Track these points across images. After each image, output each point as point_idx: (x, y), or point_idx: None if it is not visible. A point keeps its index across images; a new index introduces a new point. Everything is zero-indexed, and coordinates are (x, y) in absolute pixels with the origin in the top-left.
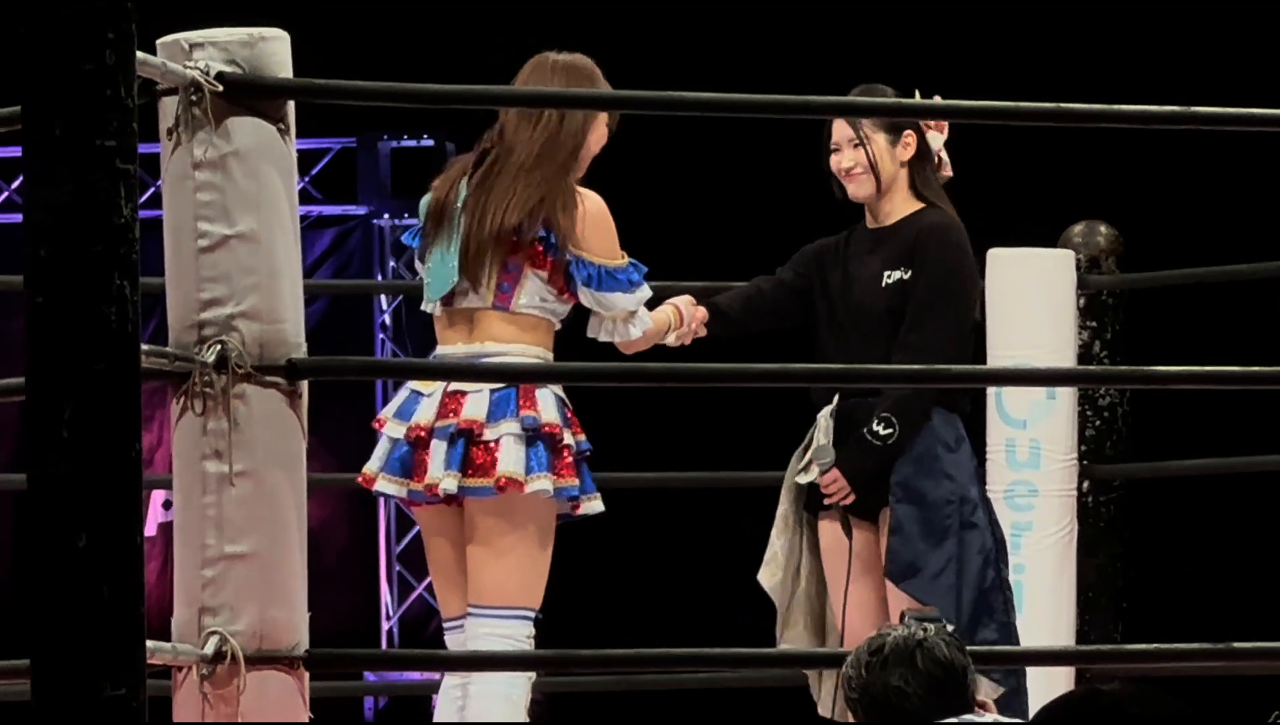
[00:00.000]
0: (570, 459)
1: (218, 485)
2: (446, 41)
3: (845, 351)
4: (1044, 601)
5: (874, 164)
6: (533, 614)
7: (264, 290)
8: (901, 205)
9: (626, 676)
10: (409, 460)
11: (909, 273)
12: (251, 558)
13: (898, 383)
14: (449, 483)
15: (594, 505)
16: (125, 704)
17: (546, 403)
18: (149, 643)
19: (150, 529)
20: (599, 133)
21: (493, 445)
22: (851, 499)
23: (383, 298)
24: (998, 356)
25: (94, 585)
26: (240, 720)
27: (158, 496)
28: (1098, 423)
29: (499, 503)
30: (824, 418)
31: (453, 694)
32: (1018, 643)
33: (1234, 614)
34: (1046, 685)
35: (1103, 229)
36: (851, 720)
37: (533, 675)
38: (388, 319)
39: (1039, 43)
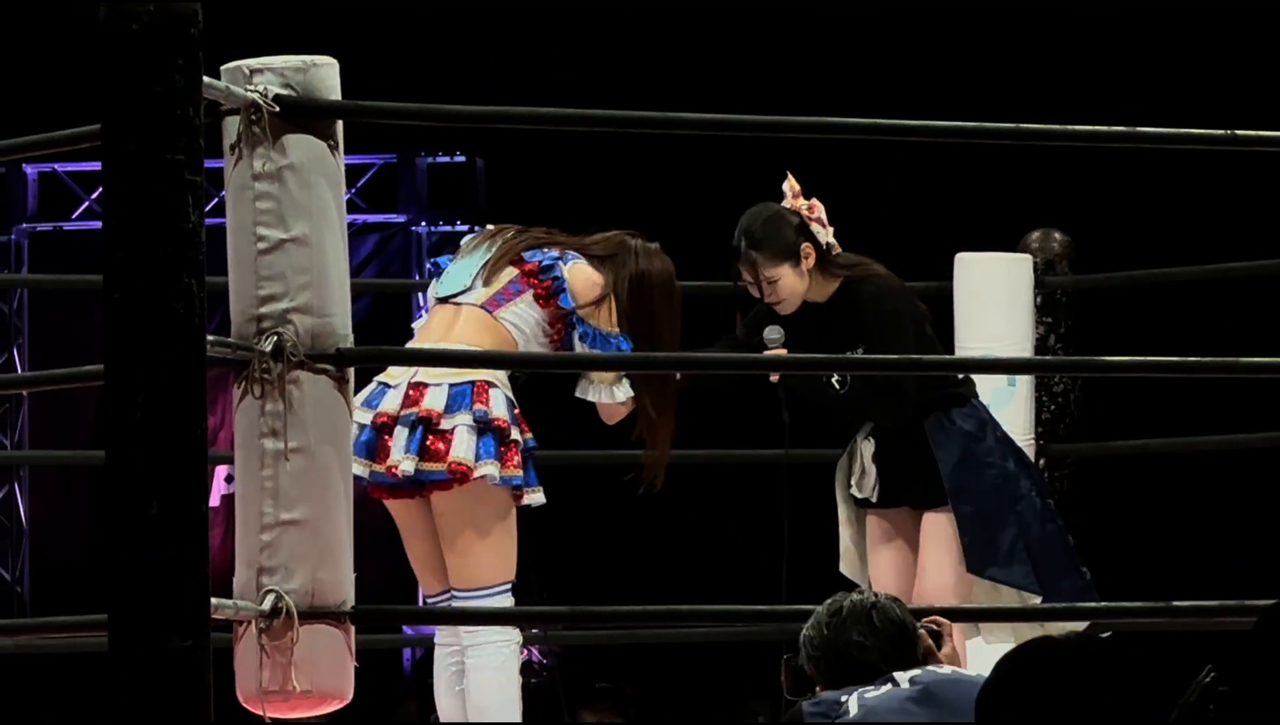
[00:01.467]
0: (516, 453)
1: (274, 460)
2: (477, 68)
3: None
4: None
5: (789, 293)
6: (509, 586)
7: (315, 288)
8: (828, 287)
9: (632, 631)
10: (374, 444)
11: (863, 351)
12: (304, 524)
13: (881, 372)
14: (407, 464)
15: (536, 497)
16: (191, 654)
17: (498, 401)
18: (213, 600)
19: (214, 500)
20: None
21: (448, 434)
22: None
23: (420, 295)
24: (965, 348)
25: (164, 549)
26: (293, 669)
27: (221, 471)
28: (1052, 407)
29: (461, 496)
30: (866, 451)
31: (447, 661)
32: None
33: (1174, 575)
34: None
35: (1057, 235)
36: None
37: (519, 639)
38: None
39: (1001, 68)
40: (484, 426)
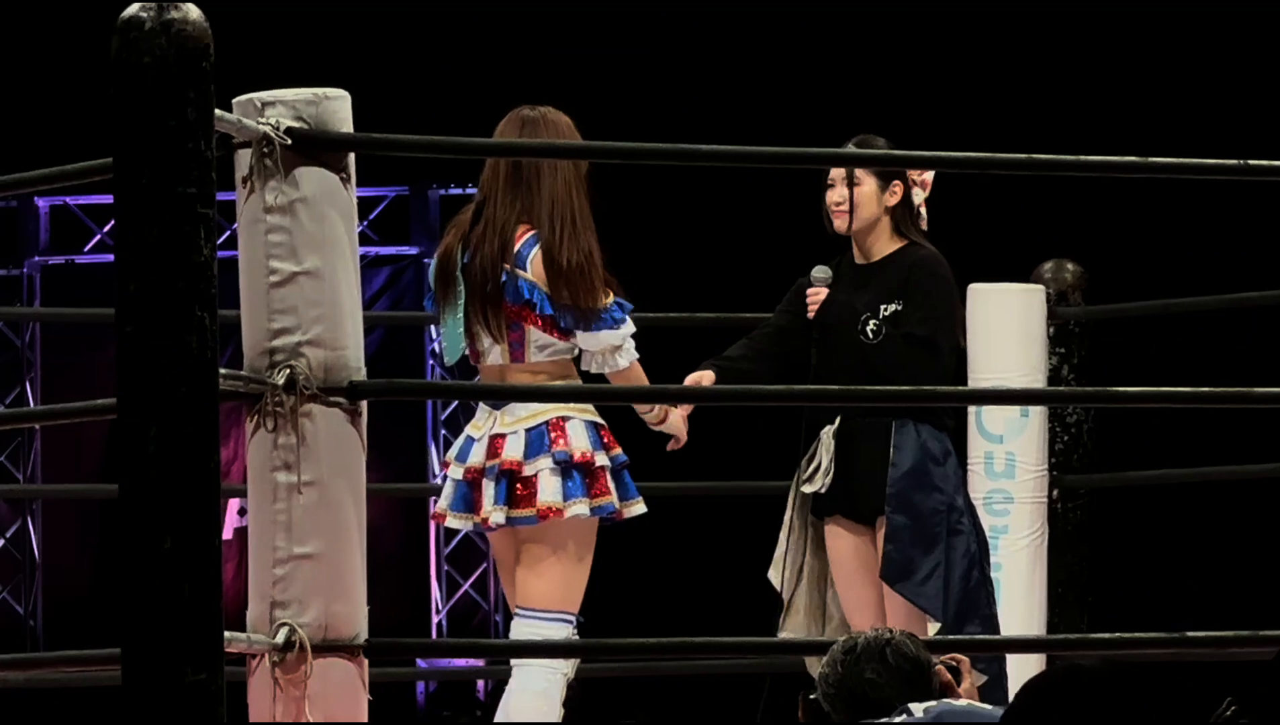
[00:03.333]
0: (605, 478)
1: (287, 494)
2: (489, 99)
3: (839, 376)
4: (1018, 596)
5: (853, 204)
6: (572, 618)
7: (328, 321)
8: (886, 244)
9: (647, 663)
10: (469, 498)
11: (901, 305)
12: (317, 558)
13: (893, 402)
14: (498, 516)
15: (636, 509)
16: (205, 688)
17: (576, 432)
18: (226, 633)
19: (227, 533)
20: (578, 187)
21: (532, 479)
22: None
23: (433, 328)
24: (978, 379)
25: (177, 583)
26: (307, 702)
27: (234, 504)
28: (1066, 438)
29: (542, 525)
30: (827, 435)
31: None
32: (999, 634)
33: (1187, 605)
34: (1021, 671)
35: (1070, 266)
36: None
37: (569, 673)
38: (437, 347)
39: (1013, 97)
40: (568, 465)
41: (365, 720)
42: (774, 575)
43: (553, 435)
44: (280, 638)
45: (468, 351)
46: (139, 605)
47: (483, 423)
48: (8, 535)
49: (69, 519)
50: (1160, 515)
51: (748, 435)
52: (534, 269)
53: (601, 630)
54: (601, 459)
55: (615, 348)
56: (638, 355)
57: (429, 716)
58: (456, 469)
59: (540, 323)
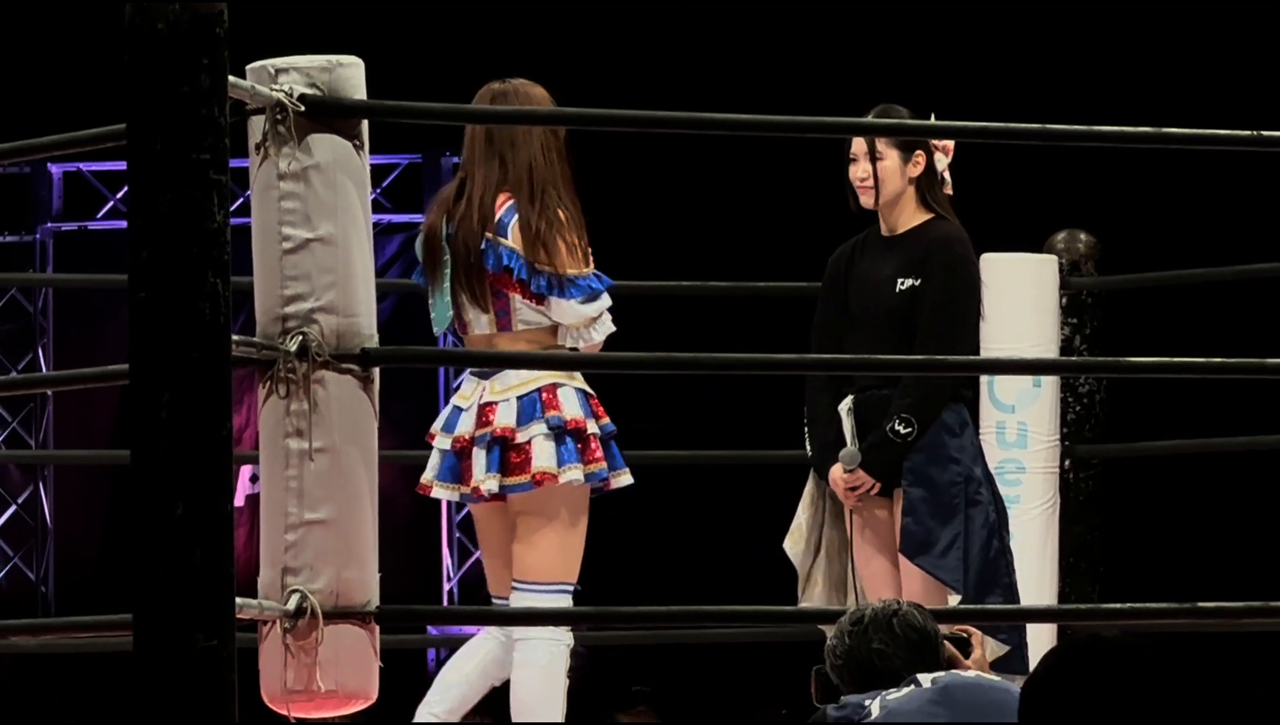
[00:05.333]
0: (596, 445)
1: (299, 460)
2: (503, 67)
3: (859, 348)
4: (1030, 566)
5: (878, 180)
6: (570, 587)
7: (341, 288)
8: (911, 216)
9: (659, 631)
10: (457, 468)
11: (919, 281)
12: (329, 524)
13: (905, 372)
14: (491, 483)
15: (623, 479)
16: (216, 654)
17: (569, 399)
18: (238, 600)
19: (239, 500)
20: (557, 153)
21: (526, 446)
22: (876, 489)
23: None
24: (990, 348)
25: (189, 549)
26: (318, 669)
27: (246, 471)
28: (1078, 408)
29: (536, 494)
30: (844, 411)
31: (486, 644)
32: (1019, 604)
33: (1199, 576)
34: (1031, 640)
35: (1083, 236)
36: None
37: (570, 642)
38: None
39: (1027, 68)
40: (561, 431)
41: (376, 687)
42: (789, 545)
43: (545, 400)
44: (291, 604)
45: (455, 322)
46: (150, 571)
47: (470, 392)
48: (20, 501)
49: (81, 485)
50: (1172, 486)
51: (765, 404)
52: (514, 236)
53: (617, 599)
54: (592, 427)
55: (591, 319)
56: (614, 328)
57: None
58: (443, 439)
59: (519, 289)
